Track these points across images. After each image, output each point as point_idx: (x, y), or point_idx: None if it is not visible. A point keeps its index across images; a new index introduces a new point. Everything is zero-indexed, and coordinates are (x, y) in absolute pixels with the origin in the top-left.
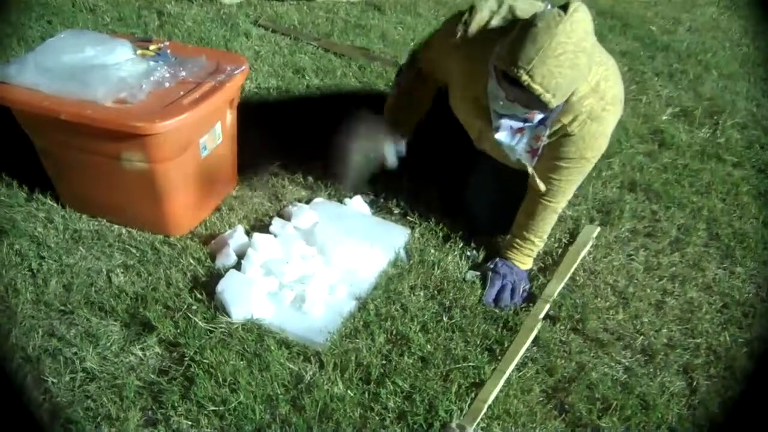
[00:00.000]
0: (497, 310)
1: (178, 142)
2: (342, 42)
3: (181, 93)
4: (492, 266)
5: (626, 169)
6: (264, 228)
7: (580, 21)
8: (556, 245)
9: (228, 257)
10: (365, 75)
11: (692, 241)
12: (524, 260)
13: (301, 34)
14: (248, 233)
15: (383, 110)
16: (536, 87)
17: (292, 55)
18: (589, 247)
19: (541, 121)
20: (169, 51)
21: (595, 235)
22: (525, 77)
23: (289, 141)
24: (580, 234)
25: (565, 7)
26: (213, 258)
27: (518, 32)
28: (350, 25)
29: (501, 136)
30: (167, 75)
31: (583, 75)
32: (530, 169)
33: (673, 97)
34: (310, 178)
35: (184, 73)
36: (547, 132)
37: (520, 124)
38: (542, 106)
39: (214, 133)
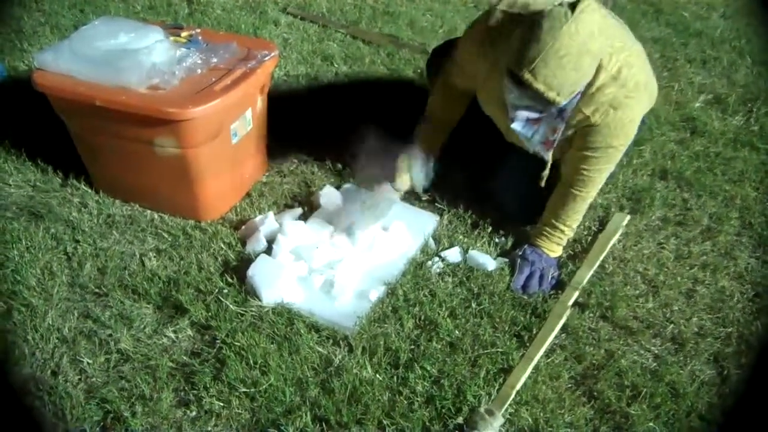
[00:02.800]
0: (525, 297)
1: (210, 128)
2: (370, 29)
3: (213, 79)
4: (521, 253)
5: (657, 157)
6: (294, 212)
7: (587, 22)
8: (585, 233)
9: (258, 242)
10: (393, 62)
11: (724, 229)
12: (553, 248)
13: (330, 22)
14: (278, 219)
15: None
16: (539, 86)
17: (320, 42)
18: (619, 235)
19: (559, 113)
20: (200, 38)
21: (625, 223)
22: (528, 76)
23: (319, 128)
24: (609, 222)
25: (574, 5)
26: (243, 243)
27: (524, 32)
28: (378, 12)
29: (517, 126)
30: (199, 61)
31: (587, 75)
32: (548, 161)
33: (706, 84)
34: (339, 165)
35: (215, 60)
36: (563, 126)
37: (536, 115)
38: (549, 103)
39: (245, 119)
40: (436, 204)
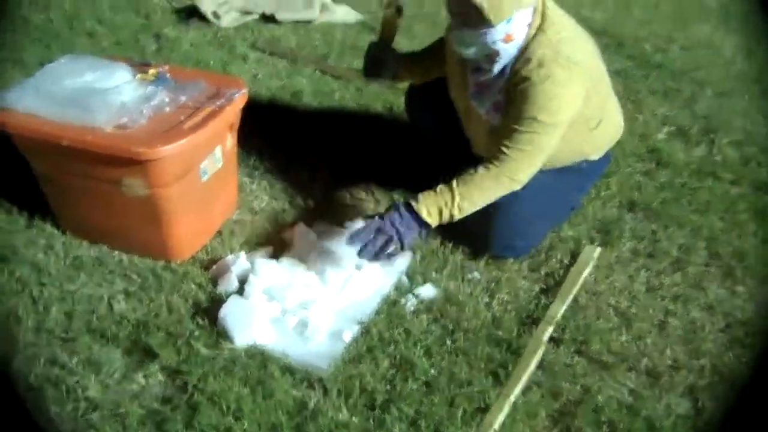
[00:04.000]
0: (495, 326)
1: (178, 167)
2: (339, 64)
3: (182, 118)
4: (382, 219)
5: (624, 189)
6: (266, 251)
7: None
8: (557, 266)
9: (230, 282)
10: (362, 97)
11: (693, 260)
12: (432, 212)
13: (298, 57)
14: (249, 258)
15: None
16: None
17: (289, 78)
18: (591, 268)
19: (501, 72)
20: (168, 75)
21: (596, 255)
22: None
23: (289, 164)
24: (580, 255)
25: None
26: (215, 283)
27: None
28: (347, 47)
29: (473, 98)
30: (167, 99)
31: (524, 3)
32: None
33: (669, 116)
34: (311, 202)
35: (183, 98)
36: (506, 79)
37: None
38: (479, 17)
39: (215, 157)
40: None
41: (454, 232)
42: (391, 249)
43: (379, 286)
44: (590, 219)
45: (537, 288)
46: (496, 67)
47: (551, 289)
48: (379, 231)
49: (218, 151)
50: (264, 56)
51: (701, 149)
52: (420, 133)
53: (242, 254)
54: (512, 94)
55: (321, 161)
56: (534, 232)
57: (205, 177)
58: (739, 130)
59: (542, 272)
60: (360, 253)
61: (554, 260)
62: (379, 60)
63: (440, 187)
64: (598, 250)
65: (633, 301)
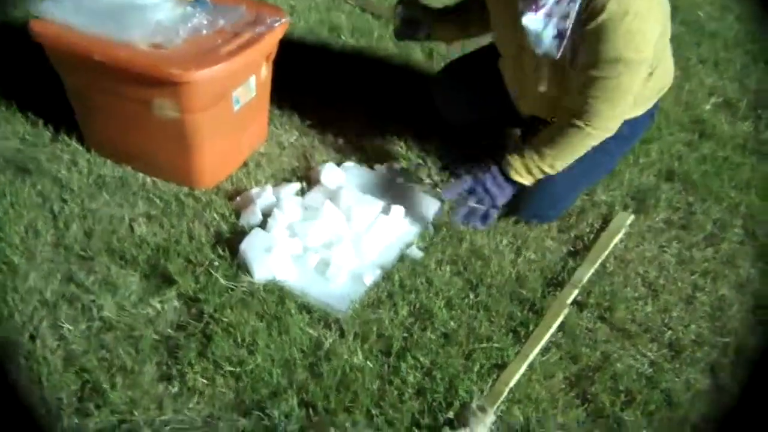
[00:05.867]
0: (523, 289)
1: (212, 93)
2: (380, 2)
3: (219, 42)
4: (475, 180)
5: (664, 157)
6: (292, 187)
7: None
8: (588, 230)
9: (254, 215)
10: None
11: (727, 237)
12: (522, 174)
13: None
14: (275, 192)
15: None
16: None
17: (328, 12)
18: (622, 234)
19: None
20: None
21: (628, 222)
22: None
23: (322, 101)
24: (612, 220)
25: None
26: (238, 214)
27: None
28: None
29: (528, 19)
30: (205, 22)
31: None
32: (556, 56)
33: (717, 86)
34: (341, 141)
35: (222, 22)
36: (576, 7)
37: (546, 2)
38: None
39: (249, 86)
40: (438, 189)
41: None
42: (484, 211)
43: (404, 232)
44: (626, 185)
45: (565, 250)
46: None
47: (579, 252)
48: (472, 192)
49: (252, 80)
50: None
51: (747, 124)
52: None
53: (268, 187)
54: (585, 32)
55: (354, 101)
56: (565, 202)
57: (237, 106)
58: None
59: (572, 234)
60: (453, 216)
61: (585, 224)
62: (411, 19)
63: (527, 151)
64: (631, 217)
65: (662, 272)
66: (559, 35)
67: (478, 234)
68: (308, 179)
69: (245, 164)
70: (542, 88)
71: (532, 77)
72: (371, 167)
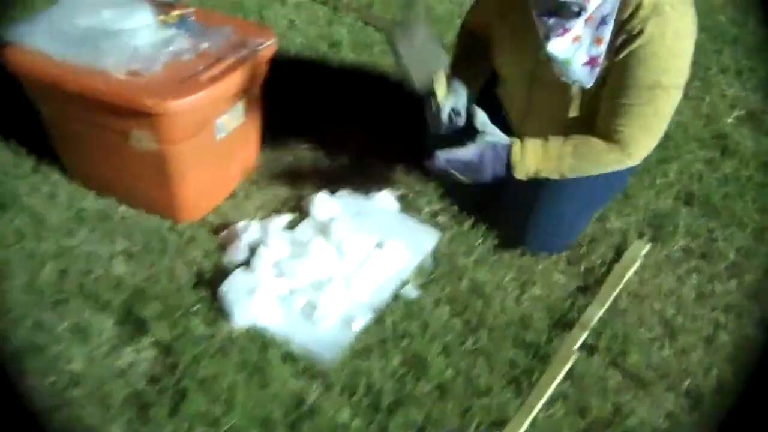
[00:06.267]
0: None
1: (191, 123)
2: (383, 15)
3: (200, 67)
4: (480, 156)
5: (683, 178)
6: (281, 219)
7: None
8: (599, 261)
9: (238, 252)
10: None
11: (752, 266)
12: (530, 174)
13: (341, 4)
14: (262, 226)
15: None
16: None
17: (329, 26)
18: (637, 266)
19: (602, 20)
20: (192, 18)
21: (644, 253)
22: None
23: (319, 122)
24: (627, 251)
25: None
26: (223, 250)
27: None
28: None
29: (554, 46)
30: (186, 46)
31: None
32: (588, 86)
33: (740, 97)
34: (338, 166)
35: (205, 45)
36: (609, 33)
37: (574, 24)
38: None
39: (234, 113)
40: (438, 219)
41: (488, 214)
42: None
43: (401, 267)
44: (641, 210)
45: (574, 285)
46: (591, 5)
47: (590, 287)
48: (467, 167)
49: (239, 106)
50: (304, 1)
51: None
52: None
53: (254, 222)
54: (623, 63)
55: (353, 121)
56: (574, 229)
57: (221, 134)
58: None
59: (582, 267)
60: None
61: (596, 255)
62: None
63: (550, 150)
64: (647, 246)
65: (680, 309)
66: (591, 62)
67: (480, 269)
68: (301, 209)
69: (234, 194)
70: (568, 114)
71: (549, 104)
72: (368, 195)
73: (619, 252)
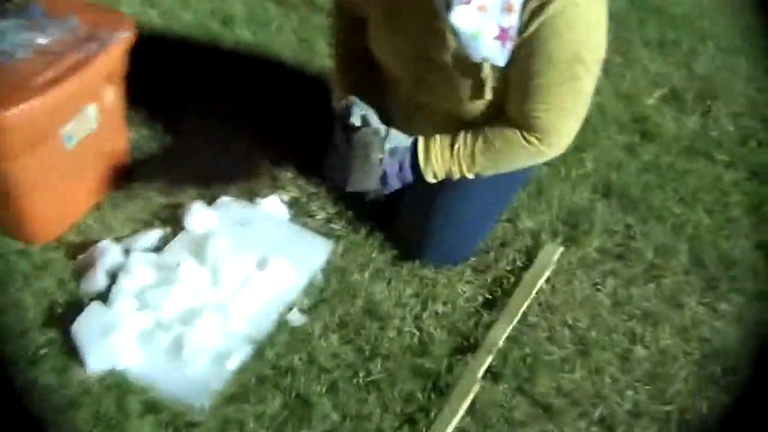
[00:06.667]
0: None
1: (28, 135)
2: None
3: (38, 68)
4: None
5: (600, 168)
6: (149, 237)
7: None
8: (508, 269)
9: (95, 280)
10: (306, 30)
11: (671, 267)
12: (439, 176)
13: None
14: (125, 245)
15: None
16: None
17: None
18: (548, 273)
19: None
20: (38, 6)
21: (556, 258)
22: None
23: (202, 116)
24: (538, 256)
25: None
26: (80, 277)
27: None
28: None
29: (458, 17)
30: (20, 43)
31: None
32: (501, 65)
33: (663, 74)
34: (221, 167)
35: (44, 41)
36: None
37: None
38: None
39: (86, 117)
40: (332, 225)
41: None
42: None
43: (286, 287)
44: (556, 206)
45: (480, 299)
46: None
47: (498, 300)
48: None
49: (91, 109)
50: None
51: (695, 120)
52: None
53: (113, 244)
54: (536, 37)
55: (243, 114)
56: (477, 235)
57: (71, 143)
58: (741, 97)
59: (489, 277)
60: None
61: (505, 261)
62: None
63: (459, 148)
64: (560, 250)
65: (594, 321)
66: (502, 35)
67: (376, 285)
68: (176, 221)
69: (98, 206)
70: (471, 103)
71: (445, 93)
72: (253, 201)
73: (530, 256)
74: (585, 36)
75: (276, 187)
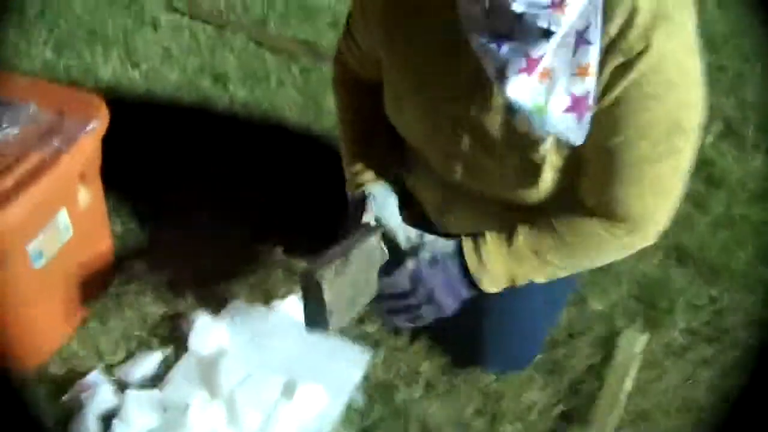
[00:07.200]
0: None
1: None
2: (281, 32)
3: None
4: (418, 278)
5: (668, 226)
6: (148, 362)
7: None
8: (585, 366)
9: (83, 427)
10: (309, 83)
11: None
12: (501, 284)
13: (227, 22)
14: (120, 378)
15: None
16: None
17: (212, 53)
18: (634, 370)
19: (581, 39)
20: None
21: (639, 348)
22: None
23: (200, 199)
24: (618, 349)
25: None
26: (66, 424)
27: None
28: (293, 7)
29: (516, 89)
30: None
31: None
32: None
33: (713, 105)
34: (226, 266)
35: None
36: (597, 51)
37: (542, 50)
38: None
39: (56, 227)
40: (366, 328)
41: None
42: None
43: (320, 414)
44: (625, 281)
45: (557, 410)
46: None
47: (578, 409)
48: (405, 296)
49: (62, 216)
50: (182, 20)
51: (759, 158)
52: None
53: (103, 377)
54: (613, 91)
55: (246, 188)
56: (544, 330)
57: (41, 260)
58: None
59: (564, 380)
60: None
61: (579, 357)
62: None
63: (519, 247)
64: (643, 338)
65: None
66: (576, 105)
67: (430, 403)
68: (177, 336)
69: (85, 324)
70: (530, 190)
71: (491, 180)
72: (268, 303)
73: (607, 347)
74: (686, 98)
75: (293, 282)
